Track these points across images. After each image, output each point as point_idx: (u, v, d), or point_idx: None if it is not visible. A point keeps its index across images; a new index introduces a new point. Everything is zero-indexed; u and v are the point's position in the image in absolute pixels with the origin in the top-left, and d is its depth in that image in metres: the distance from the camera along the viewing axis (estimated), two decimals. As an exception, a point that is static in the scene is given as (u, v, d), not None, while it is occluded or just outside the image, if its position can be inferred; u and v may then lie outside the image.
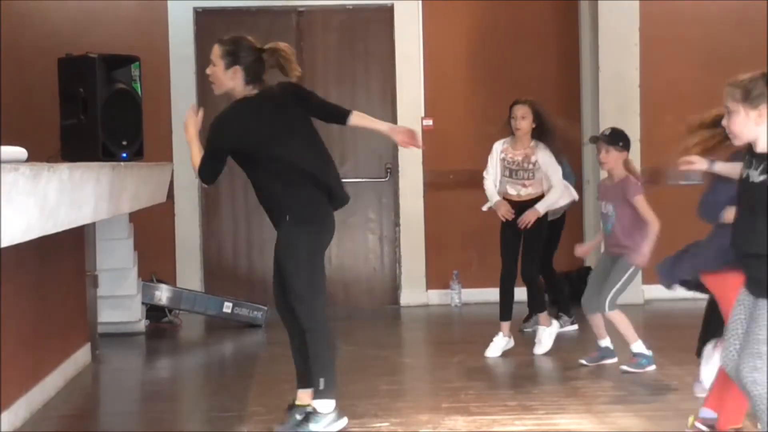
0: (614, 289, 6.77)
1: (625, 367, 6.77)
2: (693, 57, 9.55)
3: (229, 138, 5.22)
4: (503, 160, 7.38)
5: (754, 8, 9.51)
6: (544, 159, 7.26)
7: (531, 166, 7.29)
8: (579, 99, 9.77)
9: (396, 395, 6.28)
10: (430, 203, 9.71)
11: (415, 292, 9.79)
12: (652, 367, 6.76)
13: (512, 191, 7.36)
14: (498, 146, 7.44)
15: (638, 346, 6.81)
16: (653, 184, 8.73)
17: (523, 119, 7.28)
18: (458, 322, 9.24)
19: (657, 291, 9.32)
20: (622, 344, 6.87)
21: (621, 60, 9.41)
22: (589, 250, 7.40)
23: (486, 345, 7.51)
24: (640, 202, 6.73)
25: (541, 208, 7.25)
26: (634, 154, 8.82)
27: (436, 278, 9.75)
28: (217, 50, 5.23)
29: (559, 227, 8.26)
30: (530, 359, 7.24)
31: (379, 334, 8.63)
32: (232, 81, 5.23)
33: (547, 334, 7.39)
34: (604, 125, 9.19)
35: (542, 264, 8.01)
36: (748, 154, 4.29)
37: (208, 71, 5.28)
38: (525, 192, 7.33)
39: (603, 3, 9.38)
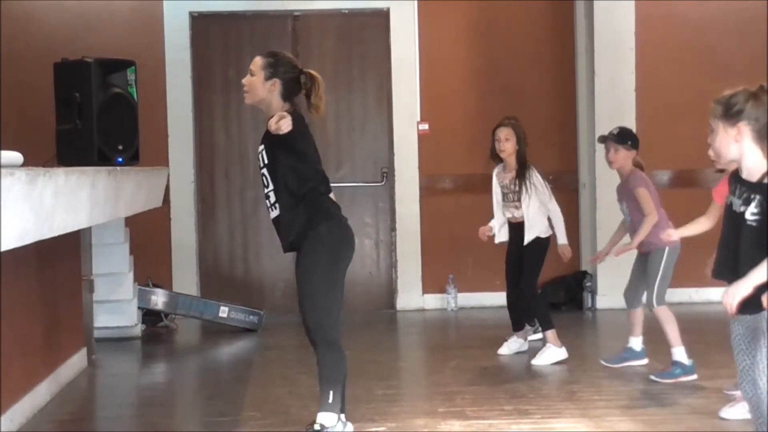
0: (656, 284, 6.71)
1: (654, 377, 6.60)
2: (689, 61, 9.55)
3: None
4: (501, 185, 7.45)
5: (750, 12, 9.51)
6: (536, 184, 7.27)
7: (516, 189, 7.32)
8: (575, 102, 9.77)
9: (392, 399, 6.28)
10: (426, 207, 9.71)
11: (411, 297, 9.78)
12: (690, 378, 6.53)
13: (508, 214, 7.43)
14: (494, 172, 7.51)
15: (680, 353, 6.60)
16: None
17: (507, 141, 7.30)
18: (454, 327, 9.22)
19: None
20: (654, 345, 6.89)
21: (616, 63, 9.42)
22: (600, 257, 7.23)
23: (482, 349, 7.57)
24: (642, 194, 6.72)
25: (562, 239, 7.33)
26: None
27: (432, 282, 9.74)
28: (258, 61, 5.26)
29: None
30: (527, 364, 7.23)
31: (375, 338, 8.60)
32: (268, 93, 5.20)
33: (554, 353, 7.23)
34: (600, 129, 9.20)
35: None
36: (732, 178, 4.18)
37: (244, 81, 5.26)
38: (518, 214, 7.36)
39: (598, 6, 9.39)
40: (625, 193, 6.84)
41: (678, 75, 9.54)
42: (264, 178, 5.19)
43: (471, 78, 9.78)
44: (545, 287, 9.42)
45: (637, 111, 9.39)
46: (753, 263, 3.98)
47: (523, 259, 7.35)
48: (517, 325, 7.56)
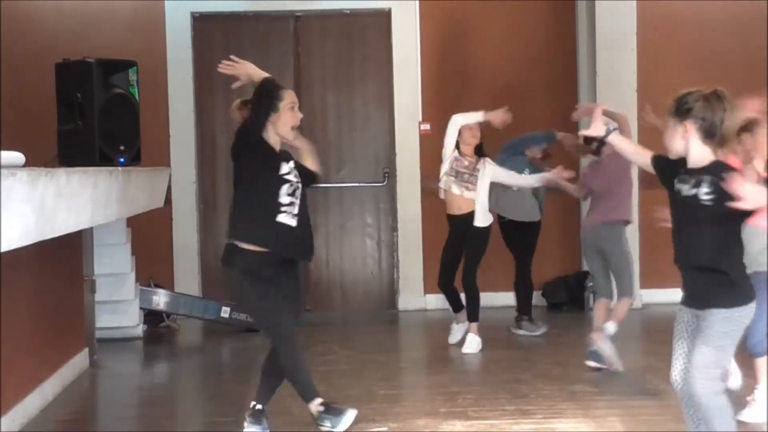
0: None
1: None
2: (690, 60, 9.55)
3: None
4: (455, 159, 7.84)
5: (751, 12, 9.52)
6: (494, 172, 7.79)
7: (476, 173, 7.75)
8: (576, 102, 9.72)
9: (394, 400, 6.29)
10: (427, 208, 9.69)
11: (412, 297, 9.78)
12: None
13: (456, 191, 7.80)
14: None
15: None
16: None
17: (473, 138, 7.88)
18: (456, 327, 9.21)
19: (654, 295, 9.33)
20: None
21: (618, 63, 9.41)
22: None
23: (483, 349, 7.65)
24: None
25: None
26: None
27: (433, 283, 9.55)
28: None
29: (533, 233, 8.38)
30: (527, 364, 7.24)
31: (376, 338, 8.60)
32: None
33: (477, 343, 7.73)
34: (602, 129, 9.19)
35: (520, 269, 8.42)
36: (681, 167, 4.29)
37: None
38: (467, 195, 7.78)
39: (600, 6, 9.38)
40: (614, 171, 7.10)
41: (680, 75, 9.51)
42: (297, 192, 5.38)
43: (472, 78, 9.77)
44: (546, 287, 9.42)
45: (639, 111, 9.36)
46: (714, 239, 4.15)
47: (467, 246, 7.84)
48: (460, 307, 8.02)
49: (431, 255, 9.70)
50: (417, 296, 9.77)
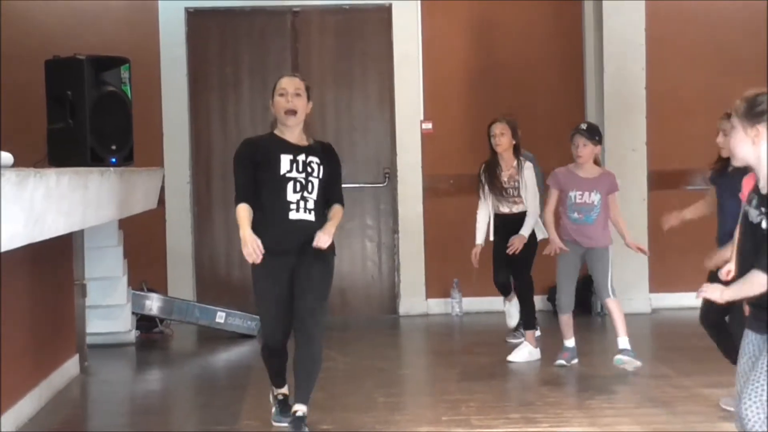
0: (610, 276, 7.04)
1: (628, 369, 6.89)
2: (699, 58, 9.53)
3: None
4: (499, 182, 7.56)
5: (760, 9, 9.50)
6: (527, 180, 7.46)
7: (517, 185, 7.48)
8: (583, 100, 9.71)
9: (394, 408, 6.25)
10: (429, 209, 9.62)
11: (414, 301, 9.68)
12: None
13: (505, 209, 7.54)
14: (483, 170, 7.63)
15: (625, 342, 6.94)
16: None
17: (502, 135, 7.48)
18: (459, 332, 9.16)
19: (664, 300, 9.26)
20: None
21: (626, 60, 9.33)
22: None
23: (487, 355, 7.56)
24: (616, 198, 7.14)
25: (525, 232, 7.42)
26: (640, 157, 8.82)
27: (436, 286, 9.64)
28: (302, 83, 5.54)
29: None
30: (533, 371, 7.18)
31: (377, 344, 8.54)
32: (306, 114, 5.58)
33: (528, 352, 7.43)
34: (609, 127, 9.22)
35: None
36: (754, 190, 3.96)
37: (298, 102, 5.46)
38: (517, 209, 7.51)
39: (608, 3, 9.31)
40: (603, 188, 7.07)
41: (688, 72, 9.54)
42: (310, 185, 5.48)
43: (476, 75, 9.70)
44: (552, 291, 9.28)
45: (648, 109, 9.34)
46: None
47: (521, 252, 7.47)
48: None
49: (433, 258, 9.68)
50: (418, 300, 9.68)
